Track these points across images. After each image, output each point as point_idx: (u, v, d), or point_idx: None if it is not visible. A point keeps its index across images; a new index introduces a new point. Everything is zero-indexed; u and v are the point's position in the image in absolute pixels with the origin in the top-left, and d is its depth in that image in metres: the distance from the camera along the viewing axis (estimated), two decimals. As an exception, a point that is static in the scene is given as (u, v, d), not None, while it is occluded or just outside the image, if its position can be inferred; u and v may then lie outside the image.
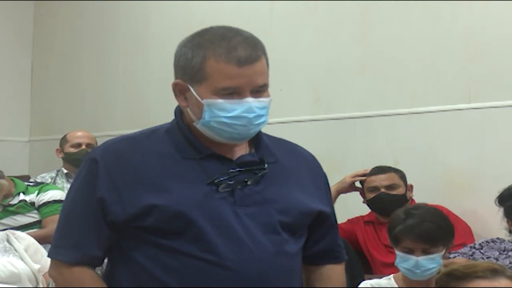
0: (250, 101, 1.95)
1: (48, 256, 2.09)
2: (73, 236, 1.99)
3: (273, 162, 2.05)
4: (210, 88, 1.94)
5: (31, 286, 3.47)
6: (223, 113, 1.94)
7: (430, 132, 4.38)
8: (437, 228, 3.05)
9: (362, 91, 4.68)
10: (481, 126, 4.18)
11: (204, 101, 1.94)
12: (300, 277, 2.07)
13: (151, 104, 5.67)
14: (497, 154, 4.11)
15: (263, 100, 1.98)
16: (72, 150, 5.26)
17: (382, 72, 4.60)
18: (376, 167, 4.16)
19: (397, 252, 3.07)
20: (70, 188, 2.08)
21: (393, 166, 4.17)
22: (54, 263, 2.05)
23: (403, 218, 3.08)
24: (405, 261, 3.03)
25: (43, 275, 3.50)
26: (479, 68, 4.20)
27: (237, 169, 1.99)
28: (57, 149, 5.41)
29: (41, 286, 3.50)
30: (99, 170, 1.98)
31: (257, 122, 1.97)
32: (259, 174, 2.00)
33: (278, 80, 4.96)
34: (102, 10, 6.25)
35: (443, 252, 3.06)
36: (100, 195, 1.96)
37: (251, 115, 1.95)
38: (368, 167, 4.18)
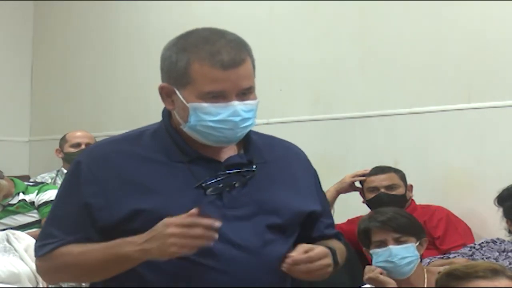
0: (236, 104, 1.93)
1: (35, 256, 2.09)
2: (57, 237, 1.99)
3: (262, 162, 2.04)
4: (195, 92, 1.93)
5: (31, 286, 3.47)
6: (209, 117, 1.93)
7: (430, 132, 4.38)
8: (405, 218, 3.15)
9: (362, 91, 4.68)
10: (481, 126, 4.18)
11: (190, 105, 1.94)
12: (290, 277, 2.06)
13: (151, 104, 5.66)
14: (497, 154, 4.11)
15: (249, 103, 1.96)
16: (72, 150, 5.27)
17: (382, 72, 4.60)
18: (376, 167, 4.16)
19: (371, 251, 3.11)
20: (57, 192, 2.08)
21: (393, 166, 4.17)
22: (39, 260, 2.04)
23: (371, 216, 3.20)
24: (380, 255, 3.07)
25: (43, 275, 3.50)
26: (479, 68, 4.20)
27: (226, 172, 1.98)
28: (56, 149, 5.42)
29: (41, 286, 3.50)
30: (84, 174, 1.98)
31: (243, 126, 1.96)
32: (247, 177, 1.99)
33: (278, 80, 4.98)
34: (102, 10, 6.25)
35: (417, 244, 3.10)
36: (86, 200, 1.96)
37: (237, 119, 1.94)
38: (368, 167, 4.18)
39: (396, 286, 3.06)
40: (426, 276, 3.15)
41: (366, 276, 3.10)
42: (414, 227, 3.16)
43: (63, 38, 6.54)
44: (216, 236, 1.85)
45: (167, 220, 1.85)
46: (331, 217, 2.21)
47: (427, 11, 4.41)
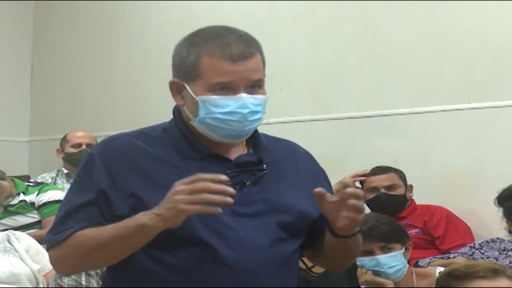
0: (244, 96, 1.95)
1: (47, 250, 2.03)
2: (69, 225, 1.95)
3: (272, 162, 2.04)
4: (205, 85, 1.94)
5: (31, 287, 3.47)
6: (218, 109, 1.94)
7: (430, 132, 4.38)
8: (387, 225, 3.06)
9: (362, 91, 4.68)
10: (481, 126, 4.18)
11: (199, 98, 1.95)
12: (296, 276, 2.06)
13: (151, 104, 5.67)
14: (497, 154, 4.11)
15: (257, 97, 1.98)
16: (72, 150, 5.27)
17: (382, 72, 4.60)
18: (376, 167, 4.16)
19: (357, 260, 3.00)
20: (70, 186, 2.07)
21: (393, 166, 4.17)
22: (52, 250, 1.98)
23: None
24: (367, 264, 3.00)
25: (43, 275, 3.50)
26: (479, 68, 4.20)
27: (236, 170, 1.98)
28: (57, 149, 5.42)
29: (41, 287, 3.50)
30: (97, 164, 1.96)
31: (252, 119, 1.96)
32: (258, 175, 1.99)
33: (278, 80, 4.98)
34: (102, 10, 6.25)
35: (402, 251, 3.05)
36: (101, 187, 1.94)
37: (245, 111, 1.95)
38: (368, 167, 4.18)
39: (393, 286, 3.03)
40: (415, 279, 3.12)
41: (361, 279, 3.06)
42: (397, 233, 3.08)
43: (63, 38, 6.55)
44: (230, 190, 1.82)
45: (175, 183, 1.84)
46: None
47: (427, 11, 4.41)
